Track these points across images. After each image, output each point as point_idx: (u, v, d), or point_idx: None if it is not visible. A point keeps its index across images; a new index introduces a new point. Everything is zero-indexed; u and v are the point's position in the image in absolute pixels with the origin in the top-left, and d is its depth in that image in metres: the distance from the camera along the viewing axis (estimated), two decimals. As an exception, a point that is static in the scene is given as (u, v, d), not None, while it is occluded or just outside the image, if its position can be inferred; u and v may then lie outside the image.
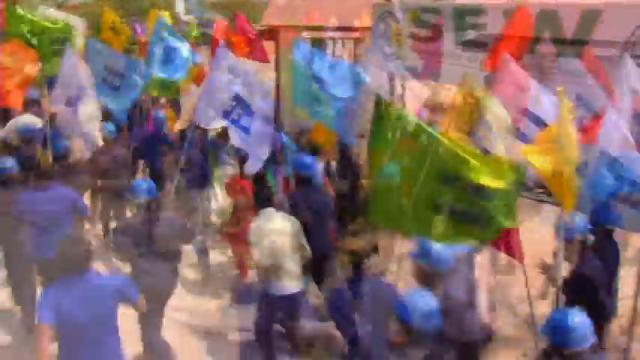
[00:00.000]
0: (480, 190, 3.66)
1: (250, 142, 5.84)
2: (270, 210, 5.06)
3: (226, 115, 5.80)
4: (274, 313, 4.98)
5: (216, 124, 6.09)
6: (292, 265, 4.90)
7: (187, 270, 6.93)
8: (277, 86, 11.29)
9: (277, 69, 11.92)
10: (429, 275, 3.88)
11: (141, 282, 4.18)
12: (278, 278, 4.82)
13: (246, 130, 5.74)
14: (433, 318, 3.21)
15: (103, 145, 7.43)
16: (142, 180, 5.31)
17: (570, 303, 4.00)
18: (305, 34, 11.47)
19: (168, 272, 4.81)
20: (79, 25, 13.22)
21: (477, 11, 7.70)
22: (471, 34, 7.68)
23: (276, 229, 4.90)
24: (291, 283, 4.89)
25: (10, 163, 5.67)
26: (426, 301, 3.25)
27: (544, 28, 6.96)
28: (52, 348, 3.53)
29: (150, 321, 4.69)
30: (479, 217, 3.71)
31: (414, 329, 3.18)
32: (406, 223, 3.86)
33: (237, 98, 5.70)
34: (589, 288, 4.21)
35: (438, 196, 3.75)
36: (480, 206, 3.71)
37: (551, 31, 6.93)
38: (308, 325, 4.87)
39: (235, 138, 6.02)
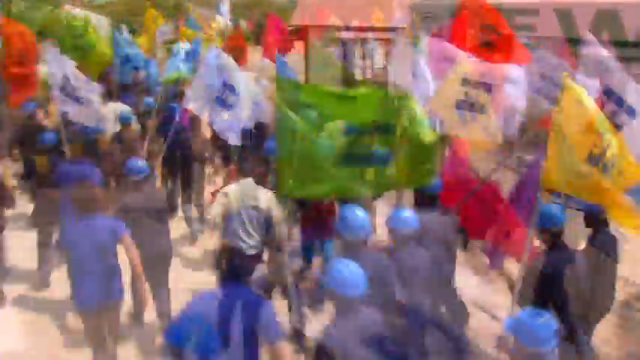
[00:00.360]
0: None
1: (230, 118, 6.49)
2: (248, 180, 5.27)
3: (218, 100, 6.50)
4: None
5: (205, 113, 6.73)
6: (252, 231, 5.14)
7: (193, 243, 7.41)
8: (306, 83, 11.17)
9: (306, 68, 11.64)
10: (350, 244, 4.01)
11: (140, 251, 4.56)
12: (237, 239, 5.08)
13: (230, 107, 6.48)
14: (358, 286, 3.26)
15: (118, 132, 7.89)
16: (136, 159, 5.59)
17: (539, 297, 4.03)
18: (338, 34, 11.21)
19: (161, 241, 5.30)
20: (104, 23, 13.16)
21: (528, 11, 7.19)
22: (520, 37, 7.17)
23: (238, 191, 5.18)
24: (249, 246, 5.11)
25: (51, 135, 6.55)
26: (350, 269, 3.29)
27: (602, 29, 6.45)
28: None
29: (155, 287, 5.18)
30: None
31: (341, 297, 3.24)
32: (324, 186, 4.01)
33: (227, 86, 6.48)
34: (548, 283, 4.02)
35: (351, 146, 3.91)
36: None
37: (610, 32, 6.43)
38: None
39: (217, 123, 6.58)
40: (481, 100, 5.61)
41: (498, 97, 5.61)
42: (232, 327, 3.22)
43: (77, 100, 6.82)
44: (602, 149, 3.84)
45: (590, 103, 3.91)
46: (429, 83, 6.64)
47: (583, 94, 3.92)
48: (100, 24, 12.58)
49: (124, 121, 7.77)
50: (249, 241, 5.10)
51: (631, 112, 5.25)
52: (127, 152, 6.96)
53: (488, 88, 5.59)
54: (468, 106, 5.65)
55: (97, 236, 4.31)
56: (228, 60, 6.55)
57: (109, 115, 7.93)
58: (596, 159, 3.84)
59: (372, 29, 12.73)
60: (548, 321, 3.07)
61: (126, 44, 10.36)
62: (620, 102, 5.26)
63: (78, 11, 14.32)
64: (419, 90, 6.42)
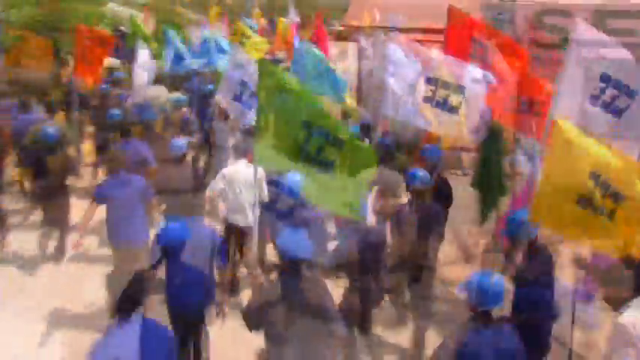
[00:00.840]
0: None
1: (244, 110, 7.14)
2: (243, 161, 6.00)
3: (237, 98, 7.13)
4: (231, 236, 6.16)
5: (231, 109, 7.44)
6: (245, 204, 5.86)
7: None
8: (359, 83, 10.91)
9: (359, 68, 11.15)
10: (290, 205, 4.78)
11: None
12: (233, 211, 5.96)
13: (244, 103, 7.10)
14: (305, 250, 3.70)
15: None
16: (178, 138, 6.88)
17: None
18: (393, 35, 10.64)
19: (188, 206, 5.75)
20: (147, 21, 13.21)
21: (626, 13, 6.46)
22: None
23: (234, 171, 5.95)
24: (242, 218, 5.94)
25: (116, 112, 8.09)
26: (296, 237, 3.74)
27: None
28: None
29: None
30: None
31: (288, 262, 3.68)
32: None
33: (243, 83, 7.06)
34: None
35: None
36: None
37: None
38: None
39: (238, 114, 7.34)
40: (452, 100, 5.93)
41: (471, 99, 5.94)
42: (194, 250, 4.36)
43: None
44: (590, 192, 3.87)
45: (582, 142, 3.96)
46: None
47: (573, 132, 4.00)
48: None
49: (176, 104, 8.92)
50: (247, 216, 5.80)
51: (630, 92, 5.21)
52: (175, 132, 8.08)
53: (461, 90, 5.92)
54: (435, 103, 5.98)
55: (128, 190, 5.57)
56: (247, 58, 7.43)
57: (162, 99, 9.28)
58: (584, 201, 3.90)
59: (430, 31, 12.12)
60: (496, 282, 3.34)
61: (176, 40, 10.78)
62: (619, 85, 5.20)
63: (122, 9, 14.23)
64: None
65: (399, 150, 7.21)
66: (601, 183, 3.83)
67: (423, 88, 5.97)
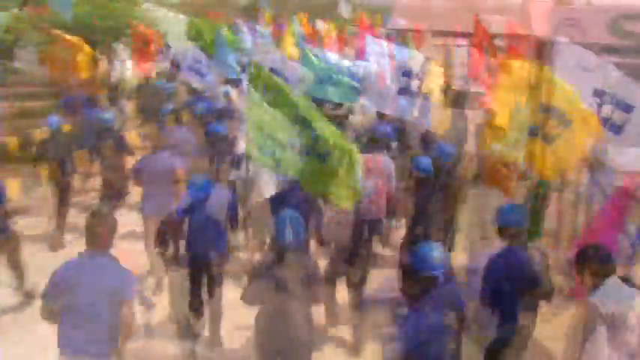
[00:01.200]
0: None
1: None
2: None
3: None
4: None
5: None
6: (265, 182, 6.11)
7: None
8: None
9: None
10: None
11: None
12: (255, 187, 6.19)
13: None
14: (298, 240, 4.01)
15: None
16: (216, 125, 7.54)
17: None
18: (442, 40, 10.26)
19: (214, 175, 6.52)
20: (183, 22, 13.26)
21: None
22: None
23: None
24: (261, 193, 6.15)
25: (169, 107, 8.78)
26: (291, 224, 3.98)
27: None
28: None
29: None
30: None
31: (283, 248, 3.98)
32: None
33: (273, 71, 7.10)
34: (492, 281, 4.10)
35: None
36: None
37: None
38: None
39: None
40: (413, 86, 6.60)
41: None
42: (213, 208, 5.08)
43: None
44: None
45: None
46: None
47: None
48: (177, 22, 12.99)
49: (225, 95, 9.64)
50: (261, 192, 6.05)
51: (626, 107, 5.13)
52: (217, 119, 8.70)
53: (420, 77, 6.60)
54: (409, 93, 6.61)
55: (161, 167, 6.26)
56: (275, 49, 8.16)
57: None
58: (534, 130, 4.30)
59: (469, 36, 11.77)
60: (436, 249, 3.51)
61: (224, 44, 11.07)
62: (614, 100, 5.13)
63: (156, 9, 14.04)
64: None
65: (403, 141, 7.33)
66: (552, 111, 4.23)
67: (415, 83, 6.65)
